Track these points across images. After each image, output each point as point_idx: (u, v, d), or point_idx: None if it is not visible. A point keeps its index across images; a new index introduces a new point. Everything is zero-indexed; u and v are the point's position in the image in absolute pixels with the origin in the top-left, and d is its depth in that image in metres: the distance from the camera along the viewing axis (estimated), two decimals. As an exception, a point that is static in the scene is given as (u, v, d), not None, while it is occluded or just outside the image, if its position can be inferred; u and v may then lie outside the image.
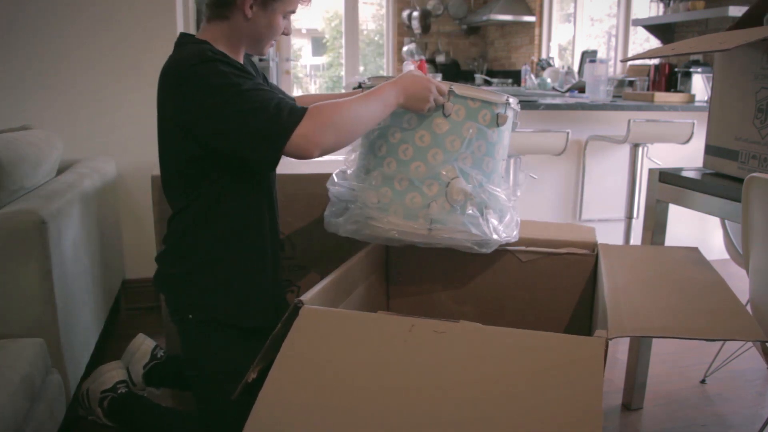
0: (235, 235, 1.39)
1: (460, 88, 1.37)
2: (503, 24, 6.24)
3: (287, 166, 1.97)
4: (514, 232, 1.48)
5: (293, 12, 1.39)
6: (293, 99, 1.65)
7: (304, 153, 1.21)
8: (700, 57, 3.82)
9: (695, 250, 1.50)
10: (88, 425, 1.74)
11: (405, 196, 1.38)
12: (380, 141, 1.43)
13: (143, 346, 1.89)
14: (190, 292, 1.42)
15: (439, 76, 3.83)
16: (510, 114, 1.45)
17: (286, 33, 1.41)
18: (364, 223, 1.39)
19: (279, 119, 1.19)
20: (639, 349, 1.86)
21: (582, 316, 1.60)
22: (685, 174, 1.70)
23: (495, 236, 1.41)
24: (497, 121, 1.41)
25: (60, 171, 2.01)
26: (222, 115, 1.21)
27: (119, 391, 1.74)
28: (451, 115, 1.37)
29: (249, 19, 1.33)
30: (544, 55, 5.80)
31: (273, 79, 4.43)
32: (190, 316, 1.41)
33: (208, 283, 1.41)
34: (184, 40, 1.37)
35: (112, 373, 1.77)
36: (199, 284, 1.41)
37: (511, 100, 1.44)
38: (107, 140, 2.44)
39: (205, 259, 1.39)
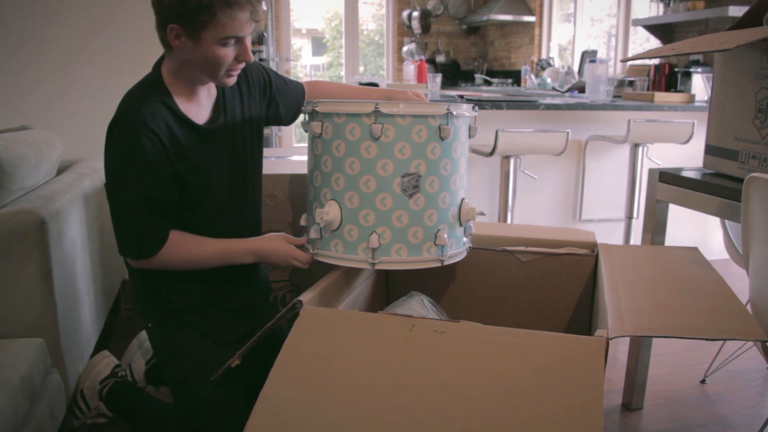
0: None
1: (386, 106, 1.24)
2: (503, 24, 6.24)
3: (286, 166, 1.98)
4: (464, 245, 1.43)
5: (236, 37, 1.24)
6: (302, 84, 1.66)
7: (144, 266, 1.36)
8: (700, 57, 3.82)
9: (695, 250, 1.51)
10: (88, 427, 1.74)
11: (342, 229, 1.30)
12: (316, 171, 1.35)
13: (147, 342, 1.88)
14: (139, 301, 1.47)
15: (439, 77, 3.81)
16: (459, 123, 1.32)
17: (244, 59, 1.28)
18: (315, 256, 1.37)
19: (140, 244, 1.31)
20: (639, 349, 1.86)
21: (582, 316, 1.60)
22: (685, 174, 1.70)
23: (448, 260, 1.35)
24: (439, 134, 1.28)
25: (60, 171, 2.01)
26: (108, 194, 1.31)
27: (120, 374, 1.75)
28: (381, 137, 1.25)
29: (184, 51, 1.24)
30: (544, 55, 5.81)
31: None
32: (150, 324, 1.47)
33: (148, 294, 1.45)
34: (155, 64, 1.35)
35: (107, 360, 1.78)
36: (142, 294, 1.46)
37: (459, 109, 1.30)
38: (107, 140, 2.44)
39: (145, 273, 1.42)
